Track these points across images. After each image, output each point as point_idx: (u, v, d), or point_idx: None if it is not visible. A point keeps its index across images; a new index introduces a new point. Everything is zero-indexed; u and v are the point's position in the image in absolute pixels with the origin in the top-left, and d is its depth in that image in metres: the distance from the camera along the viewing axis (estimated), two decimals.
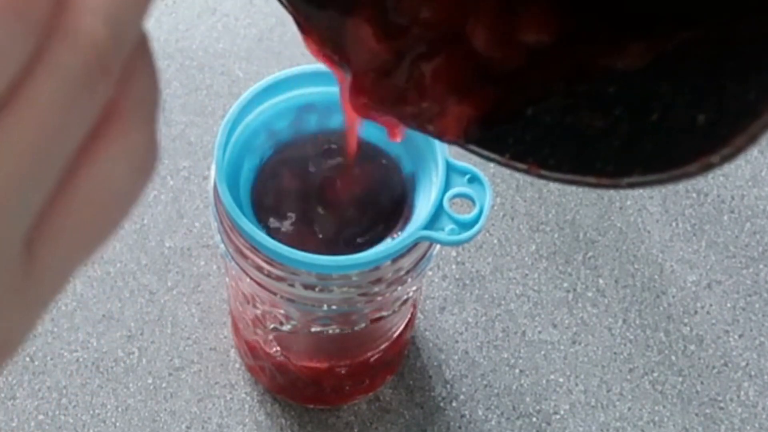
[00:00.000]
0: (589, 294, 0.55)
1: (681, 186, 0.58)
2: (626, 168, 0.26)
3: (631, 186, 0.25)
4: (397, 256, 0.40)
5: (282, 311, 0.44)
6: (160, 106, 0.21)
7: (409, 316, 0.48)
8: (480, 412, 0.52)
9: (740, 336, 0.54)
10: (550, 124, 0.29)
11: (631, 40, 0.28)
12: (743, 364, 0.53)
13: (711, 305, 0.55)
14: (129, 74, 0.20)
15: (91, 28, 0.18)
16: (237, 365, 0.52)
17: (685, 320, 0.55)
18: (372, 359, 0.48)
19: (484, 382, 0.52)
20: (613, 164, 0.26)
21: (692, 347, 0.54)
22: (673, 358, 0.53)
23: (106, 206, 0.20)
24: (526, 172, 0.28)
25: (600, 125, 0.28)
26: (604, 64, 0.28)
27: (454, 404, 0.52)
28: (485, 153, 0.29)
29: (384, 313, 0.44)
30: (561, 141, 0.28)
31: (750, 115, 0.23)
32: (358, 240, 0.41)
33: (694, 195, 0.58)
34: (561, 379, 0.53)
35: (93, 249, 0.20)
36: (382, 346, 0.48)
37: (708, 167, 0.24)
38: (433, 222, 0.39)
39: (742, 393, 0.53)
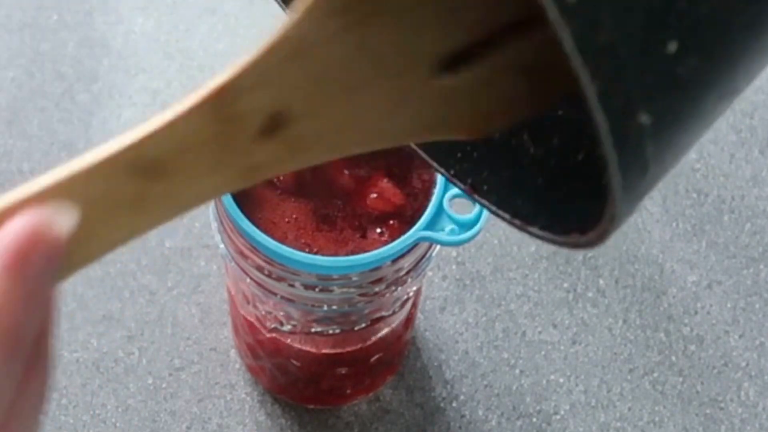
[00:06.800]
0: (589, 294, 0.55)
1: (681, 186, 0.58)
2: (535, 216, 0.26)
3: (533, 235, 0.26)
4: (397, 257, 0.40)
5: (282, 311, 0.44)
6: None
7: (408, 315, 0.48)
8: (480, 413, 0.52)
9: (740, 336, 0.54)
10: (497, 143, 0.29)
11: None
12: (743, 364, 0.53)
13: (711, 305, 0.55)
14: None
15: None
16: (237, 365, 0.52)
17: (686, 320, 0.54)
18: (372, 359, 0.48)
19: (485, 383, 0.52)
20: (529, 207, 0.27)
21: (692, 347, 0.54)
22: (674, 358, 0.53)
23: None
24: (464, 192, 0.29)
25: (535, 153, 0.28)
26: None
27: (454, 404, 0.52)
28: (435, 166, 0.30)
29: (384, 313, 0.44)
30: (499, 166, 0.29)
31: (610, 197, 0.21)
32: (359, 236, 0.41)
33: (695, 195, 0.58)
34: (561, 380, 0.53)
35: None
36: (382, 346, 0.48)
37: (576, 245, 0.23)
38: (433, 222, 0.39)
39: (742, 393, 0.53)
